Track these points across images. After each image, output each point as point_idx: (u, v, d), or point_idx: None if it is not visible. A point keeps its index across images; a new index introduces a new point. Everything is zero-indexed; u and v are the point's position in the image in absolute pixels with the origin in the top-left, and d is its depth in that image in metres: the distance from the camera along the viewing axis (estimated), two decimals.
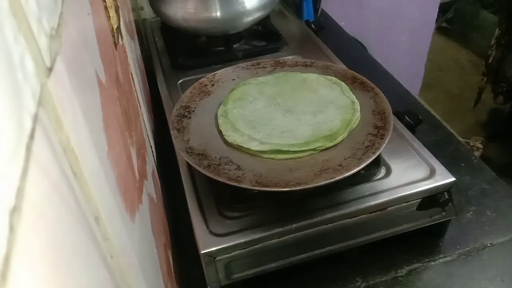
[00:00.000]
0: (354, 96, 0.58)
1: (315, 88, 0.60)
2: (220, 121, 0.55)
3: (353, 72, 0.63)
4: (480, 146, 1.86)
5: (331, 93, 0.59)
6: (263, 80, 0.63)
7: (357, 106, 0.56)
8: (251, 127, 0.54)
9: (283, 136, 0.52)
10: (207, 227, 0.48)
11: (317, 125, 0.54)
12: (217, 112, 0.58)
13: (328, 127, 0.53)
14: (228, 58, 0.80)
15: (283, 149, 0.50)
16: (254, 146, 0.51)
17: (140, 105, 0.58)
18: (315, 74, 0.63)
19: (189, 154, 0.51)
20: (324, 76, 0.62)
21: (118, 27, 0.49)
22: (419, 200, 0.51)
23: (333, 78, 0.62)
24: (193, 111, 0.59)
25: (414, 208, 0.52)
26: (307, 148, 0.51)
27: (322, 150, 0.51)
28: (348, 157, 0.49)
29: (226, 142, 0.54)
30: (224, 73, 0.66)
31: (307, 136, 0.52)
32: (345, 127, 0.53)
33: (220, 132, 0.55)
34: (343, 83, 0.60)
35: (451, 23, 2.62)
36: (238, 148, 0.52)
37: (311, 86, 0.61)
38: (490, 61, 1.86)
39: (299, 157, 0.51)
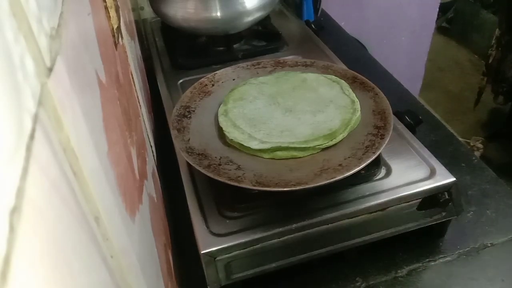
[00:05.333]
0: (354, 95, 0.58)
1: (315, 88, 0.60)
2: (220, 119, 0.55)
3: (353, 72, 0.63)
4: (480, 146, 1.86)
5: (331, 91, 0.59)
6: (263, 80, 0.63)
7: (357, 106, 0.56)
8: (251, 125, 0.54)
9: (283, 135, 0.52)
10: (207, 227, 0.48)
11: (317, 125, 0.54)
12: (217, 112, 0.58)
13: (327, 126, 0.53)
14: (228, 58, 0.80)
15: (283, 145, 0.50)
16: (254, 145, 0.51)
17: (140, 105, 0.58)
18: (315, 73, 0.63)
19: (189, 154, 0.51)
20: (324, 75, 0.62)
21: (118, 27, 0.49)
22: (419, 200, 0.51)
23: (333, 76, 0.62)
24: (193, 111, 0.59)
25: (414, 208, 0.52)
26: (307, 146, 0.51)
27: (322, 150, 0.51)
28: (348, 157, 0.49)
29: (226, 142, 0.54)
30: (224, 73, 0.66)
31: (306, 135, 0.52)
32: (345, 126, 0.53)
33: (220, 131, 0.55)
34: (342, 81, 0.60)
35: (451, 23, 2.62)
36: (238, 148, 0.52)
37: (311, 85, 0.61)
38: (490, 61, 1.86)
39: (299, 157, 0.51)
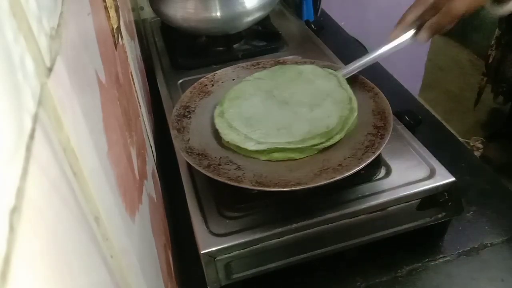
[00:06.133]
0: (351, 90, 0.57)
1: (312, 80, 0.60)
2: (216, 121, 0.55)
3: None
4: (480, 146, 1.86)
5: (328, 84, 0.59)
6: (259, 76, 0.62)
7: (355, 105, 0.55)
8: (247, 125, 0.54)
9: (280, 133, 0.52)
10: (207, 227, 0.48)
11: (313, 121, 0.54)
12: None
13: (324, 123, 0.53)
14: (228, 58, 0.80)
15: (279, 147, 0.50)
16: (251, 146, 0.51)
17: (140, 105, 0.58)
18: (312, 65, 0.63)
19: (189, 154, 0.51)
20: (321, 67, 0.62)
21: (118, 27, 0.49)
22: (419, 200, 0.51)
23: (330, 69, 0.62)
24: (193, 111, 0.59)
25: (414, 208, 0.52)
26: (303, 146, 0.50)
27: (321, 150, 0.51)
28: (348, 157, 0.49)
29: (223, 143, 0.53)
30: (224, 73, 0.66)
31: (303, 133, 0.52)
32: (342, 125, 0.52)
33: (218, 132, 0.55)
34: (340, 74, 0.60)
35: None
36: (235, 150, 0.52)
37: (307, 77, 0.60)
38: (490, 61, 1.85)
39: (298, 158, 0.51)
